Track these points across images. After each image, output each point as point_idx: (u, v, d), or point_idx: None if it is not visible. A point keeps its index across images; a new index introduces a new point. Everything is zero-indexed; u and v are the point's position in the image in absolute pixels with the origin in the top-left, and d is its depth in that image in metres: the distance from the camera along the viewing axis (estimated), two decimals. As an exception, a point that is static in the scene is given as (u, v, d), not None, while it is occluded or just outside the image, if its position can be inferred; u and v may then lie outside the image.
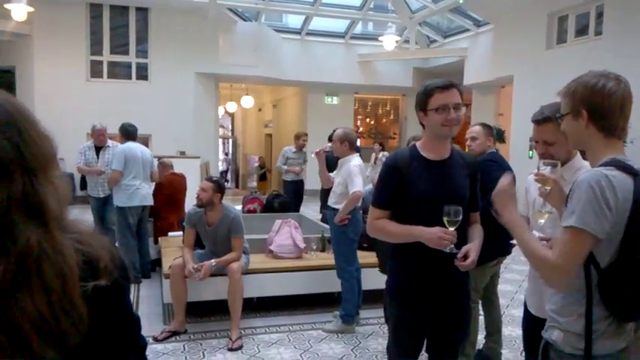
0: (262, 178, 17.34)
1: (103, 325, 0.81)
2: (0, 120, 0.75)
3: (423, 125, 2.30)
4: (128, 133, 5.90)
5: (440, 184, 2.24)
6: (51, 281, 0.73)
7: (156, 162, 6.26)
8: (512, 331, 4.55)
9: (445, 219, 2.12)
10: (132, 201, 5.72)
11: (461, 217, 2.14)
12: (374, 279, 4.31)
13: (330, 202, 4.52)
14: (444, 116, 2.18)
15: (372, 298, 4.66)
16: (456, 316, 2.36)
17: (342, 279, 4.46)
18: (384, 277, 2.48)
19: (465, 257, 2.18)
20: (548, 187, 1.87)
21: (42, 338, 0.71)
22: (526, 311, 2.41)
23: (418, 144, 2.34)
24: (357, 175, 4.32)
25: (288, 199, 8.02)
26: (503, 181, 1.86)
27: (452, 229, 2.13)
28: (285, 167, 8.44)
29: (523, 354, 4.08)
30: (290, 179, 8.52)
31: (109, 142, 6.32)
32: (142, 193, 5.80)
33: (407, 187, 2.23)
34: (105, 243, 0.84)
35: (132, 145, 5.83)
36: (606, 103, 1.60)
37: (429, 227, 2.16)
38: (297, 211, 8.30)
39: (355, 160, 4.43)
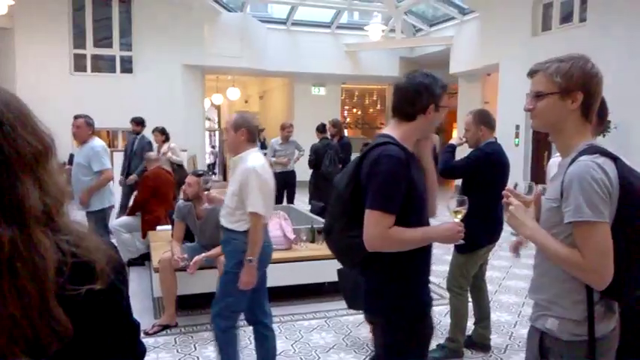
0: None
1: (98, 329, 0.79)
2: None
3: (413, 117, 2.05)
4: (94, 126, 5.33)
5: (421, 178, 2.12)
6: (25, 283, 0.69)
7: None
8: (500, 316, 4.60)
9: (453, 210, 2.05)
10: (110, 201, 5.39)
11: (467, 206, 2.06)
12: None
13: (224, 219, 3.18)
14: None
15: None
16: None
17: (217, 328, 3.22)
18: None
19: None
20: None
21: (13, 342, 0.68)
22: None
23: (398, 136, 2.05)
24: (257, 189, 3.02)
25: (275, 191, 8.03)
26: (513, 203, 1.78)
27: (458, 219, 2.05)
28: (274, 159, 8.51)
29: (512, 339, 4.15)
30: (279, 171, 8.58)
31: None
32: (112, 191, 5.50)
33: (412, 184, 1.98)
34: (102, 246, 0.81)
35: (102, 141, 5.40)
36: (598, 88, 1.63)
37: (440, 224, 2.05)
38: (291, 202, 8.33)
39: (255, 158, 3.12)
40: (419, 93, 2.04)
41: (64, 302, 0.73)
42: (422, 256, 2.04)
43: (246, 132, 3.13)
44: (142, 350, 0.94)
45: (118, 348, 0.84)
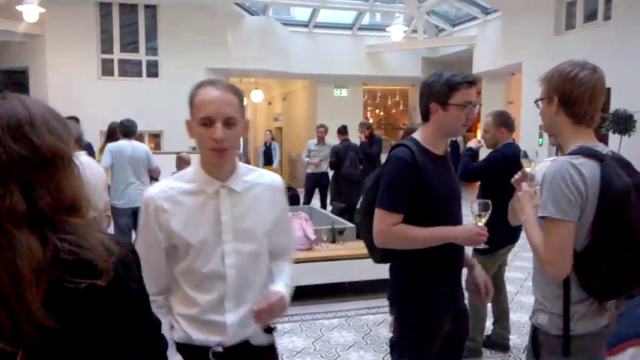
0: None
1: (101, 324, 0.81)
2: None
3: (427, 117, 2.07)
4: (125, 129, 5.66)
5: (447, 180, 2.12)
6: (1, 273, 0.74)
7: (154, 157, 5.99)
8: (520, 317, 4.60)
9: (476, 214, 2.02)
10: (119, 200, 5.45)
11: (490, 210, 2.02)
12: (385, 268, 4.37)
13: None
14: (466, 113, 2.00)
15: (383, 287, 4.72)
16: (465, 317, 2.25)
17: None
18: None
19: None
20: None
21: None
22: None
23: (420, 138, 2.09)
24: None
25: (297, 192, 8.13)
26: (523, 189, 1.89)
27: (482, 223, 2.01)
28: (307, 159, 8.62)
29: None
30: (311, 171, 8.69)
31: None
32: (131, 194, 5.42)
33: (425, 185, 2.00)
34: (109, 245, 0.84)
35: (122, 143, 5.63)
36: (575, 91, 1.67)
37: (460, 225, 2.07)
38: (324, 205, 8.38)
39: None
40: (422, 93, 2.09)
41: (63, 295, 0.77)
42: (436, 255, 2.03)
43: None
44: (163, 347, 0.97)
45: (126, 341, 0.86)
